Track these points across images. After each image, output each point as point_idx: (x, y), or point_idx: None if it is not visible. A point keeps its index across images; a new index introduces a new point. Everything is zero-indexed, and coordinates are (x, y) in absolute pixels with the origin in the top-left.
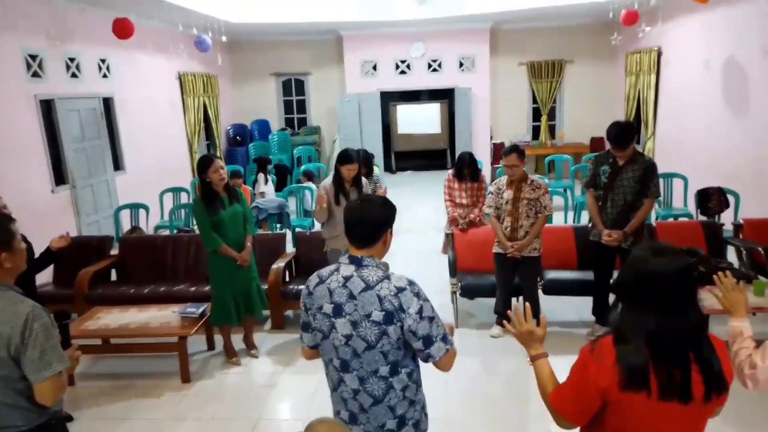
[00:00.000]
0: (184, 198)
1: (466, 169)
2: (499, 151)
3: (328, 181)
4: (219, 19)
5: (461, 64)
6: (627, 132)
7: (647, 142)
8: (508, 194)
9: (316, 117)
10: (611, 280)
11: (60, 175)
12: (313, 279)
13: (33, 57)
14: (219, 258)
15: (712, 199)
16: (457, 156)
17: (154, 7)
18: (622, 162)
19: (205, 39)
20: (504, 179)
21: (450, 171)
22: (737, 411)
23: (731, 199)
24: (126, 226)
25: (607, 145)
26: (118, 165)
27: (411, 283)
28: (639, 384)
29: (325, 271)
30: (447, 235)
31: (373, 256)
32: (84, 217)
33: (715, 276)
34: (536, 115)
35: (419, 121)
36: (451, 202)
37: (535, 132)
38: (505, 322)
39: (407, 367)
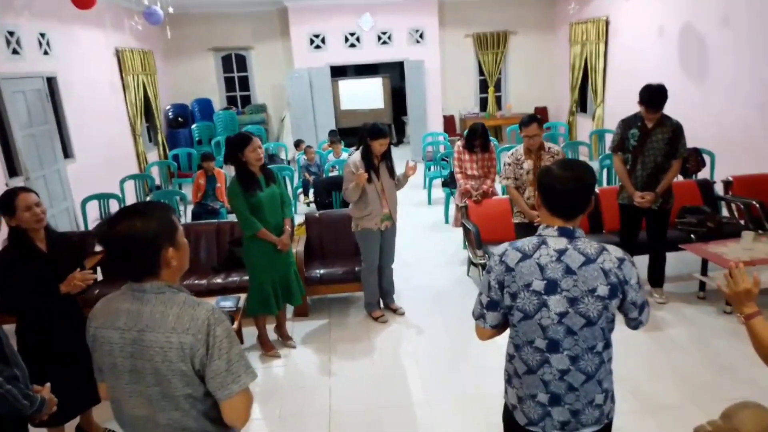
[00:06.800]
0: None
1: (478, 140)
2: (450, 124)
3: (356, 157)
4: None
5: (411, 37)
6: (661, 94)
7: (596, 109)
8: (528, 164)
9: (261, 94)
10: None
11: (11, 166)
12: (512, 254)
13: None
14: (257, 243)
15: (690, 160)
16: (469, 128)
17: None
18: (651, 125)
19: (156, 10)
20: (520, 149)
21: (459, 143)
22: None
23: (707, 158)
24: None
25: (559, 113)
26: (66, 152)
27: (624, 251)
28: None
29: (526, 245)
30: (460, 207)
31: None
32: None
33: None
34: (482, 87)
35: (361, 96)
36: (462, 174)
37: (482, 104)
38: (718, 282)
39: (611, 338)
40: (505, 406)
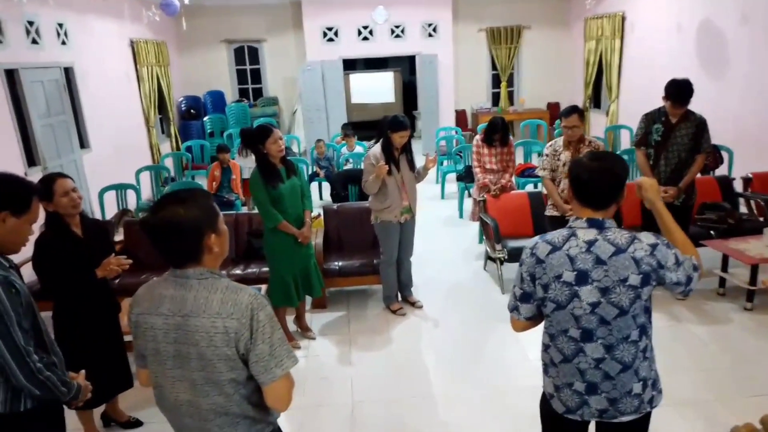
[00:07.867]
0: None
1: (498, 134)
2: (462, 119)
3: (376, 149)
4: None
5: (424, 30)
6: (688, 89)
7: (611, 105)
8: (565, 156)
9: (273, 87)
10: None
11: (30, 156)
12: (542, 246)
13: None
14: (278, 236)
15: (708, 156)
16: (489, 122)
17: None
18: (675, 120)
19: (172, 1)
20: (559, 141)
21: (477, 137)
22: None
23: (725, 155)
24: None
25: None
26: (82, 143)
27: (657, 235)
28: None
29: (556, 237)
30: (478, 201)
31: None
32: None
33: None
34: (495, 81)
35: (372, 90)
36: (480, 168)
37: (495, 98)
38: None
39: (647, 324)
40: (543, 395)
